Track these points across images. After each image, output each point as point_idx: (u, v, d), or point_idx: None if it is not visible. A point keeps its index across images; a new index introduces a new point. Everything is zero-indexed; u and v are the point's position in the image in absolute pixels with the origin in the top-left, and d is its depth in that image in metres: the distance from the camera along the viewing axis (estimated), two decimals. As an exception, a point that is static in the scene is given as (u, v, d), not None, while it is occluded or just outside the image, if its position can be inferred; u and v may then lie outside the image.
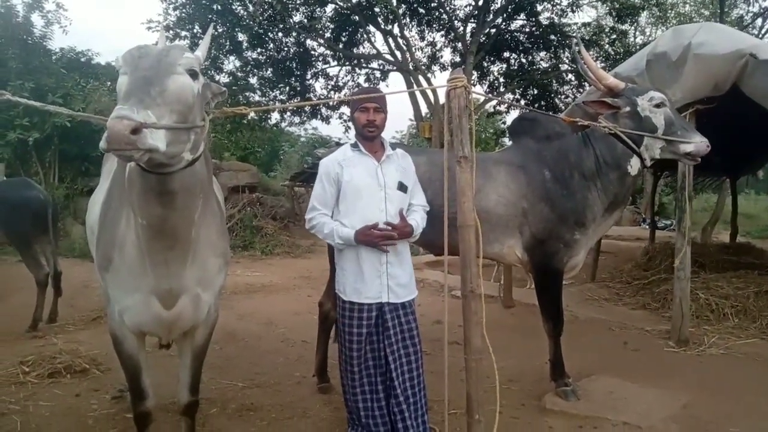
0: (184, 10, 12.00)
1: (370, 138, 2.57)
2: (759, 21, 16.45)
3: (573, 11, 13.15)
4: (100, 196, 2.40)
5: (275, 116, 15.18)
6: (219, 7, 11.77)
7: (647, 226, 11.55)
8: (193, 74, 1.72)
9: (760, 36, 15.21)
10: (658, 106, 3.15)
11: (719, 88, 3.95)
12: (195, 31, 12.06)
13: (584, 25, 14.12)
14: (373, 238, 2.44)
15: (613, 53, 13.22)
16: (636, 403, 3.25)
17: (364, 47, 14.45)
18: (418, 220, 2.58)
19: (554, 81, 14.60)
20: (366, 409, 2.54)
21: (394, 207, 2.53)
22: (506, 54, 14.49)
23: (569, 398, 3.26)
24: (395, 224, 2.48)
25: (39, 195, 4.96)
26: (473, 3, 13.33)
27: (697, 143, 3.05)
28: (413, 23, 13.90)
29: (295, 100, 13.81)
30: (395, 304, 2.53)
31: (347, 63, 14.73)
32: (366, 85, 14.78)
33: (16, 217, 4.76)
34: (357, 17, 12.99)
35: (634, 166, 3.23)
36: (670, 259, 5.33)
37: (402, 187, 2.58)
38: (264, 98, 13.97)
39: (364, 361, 2.54)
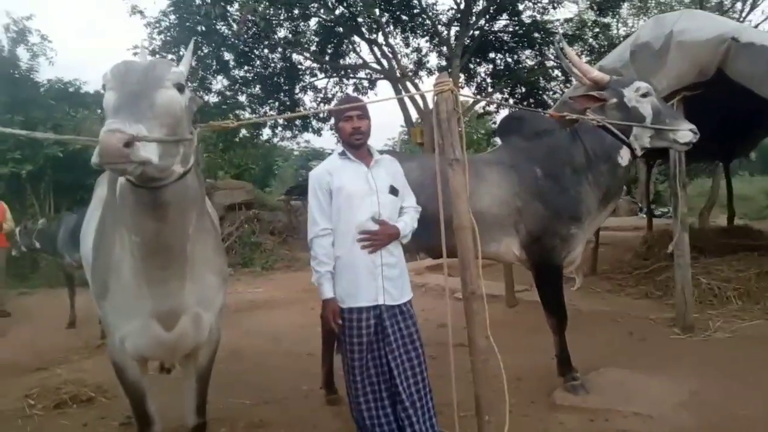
0: (168, 34, 12.04)
1: (357, 146, 2.57)
2: (739, 5, 16.58)
3: (554, 8, 13.22)
4: (92, 225, 2.39)
5: (267, 132, 15.19)
6: (203, 28, 11.82)
7: (645, 215, 11.57)
8: (180, 88, 1.74)
9: (741, 20, 15.32)
10: (644, 95, 3.17)
11: (704, 74, 3.97)
12: (181, 54, 12.11)
13: (566, 20, 14.21)
14: (328, 324, 2.50)
15: (597, 46, 13.30)
16: (645, 392, 3.25)
17: (350, 58, 14.52)
18: (406, 221, 2.59)
19: (541, 78, 14.67)
20: (371, 418, 2.52)
21: (387, 211, 2.53)
22: (492, 54, 14.55)
23: (578, 392, 3.25)
24: (376, 230, 2.48)
25: None
26: (455, 6, 13.43)
27: (684, 130, 3.07)
28: (397, 31, 13.97)
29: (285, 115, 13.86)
30: (392, 307, 2.51)
31: (334, 75, 14.79)
32: (355, 94, 14.85)
33: None
34: (341, 29, 13.06)
35: (624, 157, 3.25)
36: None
37: (393, 191, 2.58)
38: (254, 115, 14.00)
39: (366, 370, 2.51)
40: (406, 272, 2.66)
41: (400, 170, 2.70)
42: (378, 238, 2.48)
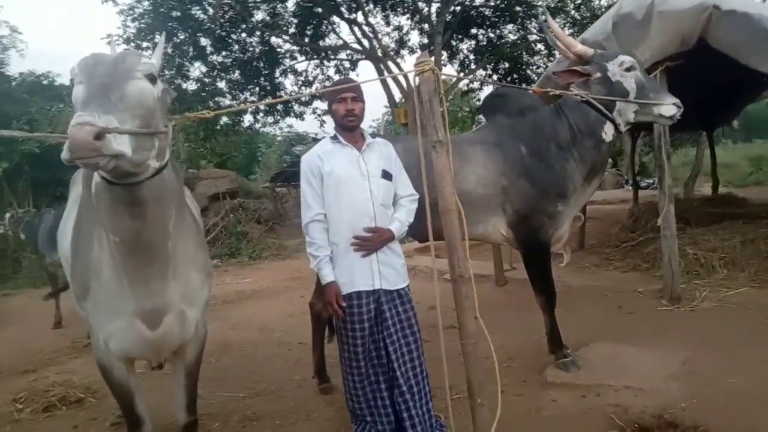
0: (143, 21, 11.71)
1: (351, 128, 2.54)
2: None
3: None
4: (69, 225, 2.32)
5: (248, 118, 14.96)
6: (178, 14, 11.51)
7: (630, 188, 11.65)
8: (152, 79, 1.68)
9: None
10: (628, 69, 3.13)
11: (686, 43, 3.93)
12: (156, 41, 11.81)
13: (548, -8, 14.08)
14: (331, 307, 2.42)
15: (579, 18, 13.21)
16: (636, 365, 3.27)
17: (330, 39, 14.27)
18: (401, 219, 2.56)
19: (524, 53, 14.57)
20: (371, 401, 2.52)
21: (381, 196, 2.50)
22: (474, 30, 14.39)
23: (570, 369, 3.27)
24: (369, 236, 2.45)
25: None
26: (435, -18, 13.24)
27: (668, 105, 3.04)
28: (377, 9, 13.73)
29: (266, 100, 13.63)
30: (390, 292, 2.50)
31: (315, 57, 14.54)
32: (337, 76, 14.63)
33: None
34: (320, 9, 12.81)
35: (608, 132, 3.22)
36: (655, 218, 5.38)
37: (386, 175, 2.55)
38: (234, 101, 13.76)
39: (368, 353, 2.50)
40: (402, 257, 2.64)
41: (394, 154, 2.65)
42: (371, 244, 2.46)
